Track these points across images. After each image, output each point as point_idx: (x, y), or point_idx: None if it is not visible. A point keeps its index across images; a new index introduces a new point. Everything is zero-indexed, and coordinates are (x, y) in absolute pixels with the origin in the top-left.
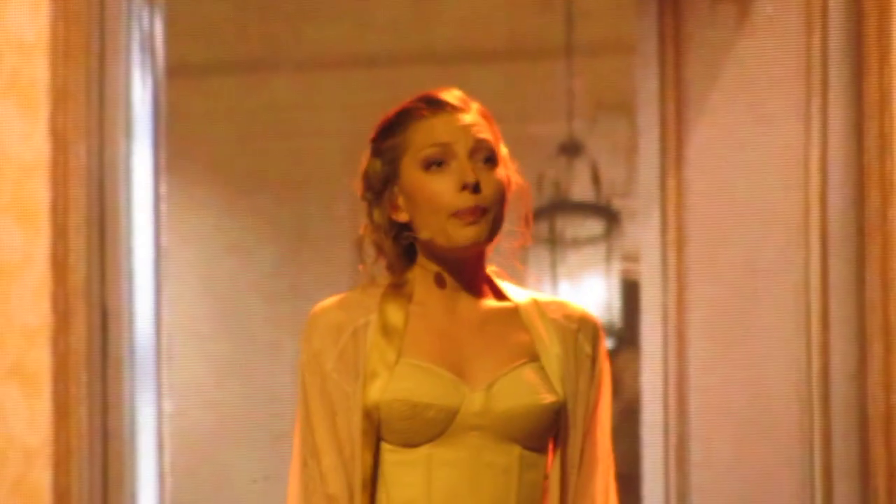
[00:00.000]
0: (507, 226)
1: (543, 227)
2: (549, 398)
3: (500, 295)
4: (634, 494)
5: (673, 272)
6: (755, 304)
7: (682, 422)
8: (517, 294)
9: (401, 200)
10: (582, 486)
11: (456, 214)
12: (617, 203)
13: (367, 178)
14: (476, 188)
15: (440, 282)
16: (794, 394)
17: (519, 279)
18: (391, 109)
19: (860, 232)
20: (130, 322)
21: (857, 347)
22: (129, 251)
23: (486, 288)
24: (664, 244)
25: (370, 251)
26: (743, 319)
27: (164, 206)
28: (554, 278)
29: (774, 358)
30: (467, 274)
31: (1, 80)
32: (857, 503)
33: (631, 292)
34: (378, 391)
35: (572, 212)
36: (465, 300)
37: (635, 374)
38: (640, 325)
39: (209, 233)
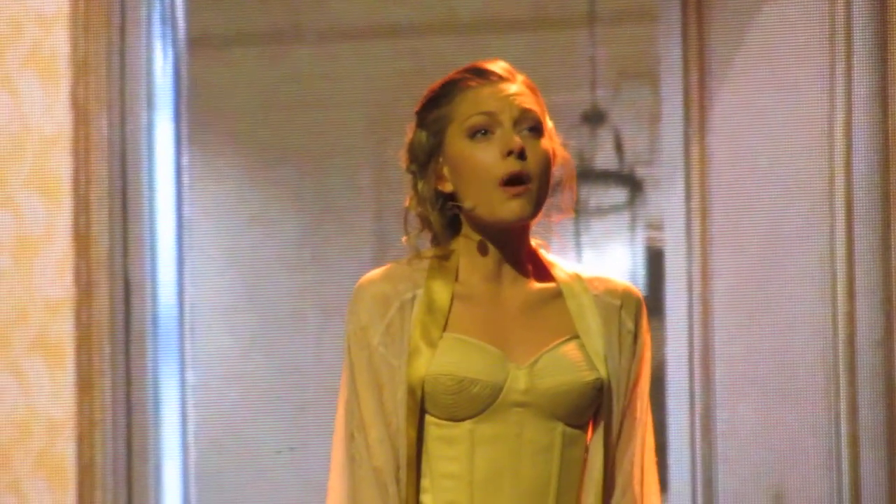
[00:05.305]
0: (550, 200)
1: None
2: (591, 375)
3: (543, 270)
4: (661, 463)
5: (697, 240)
6: (780, 272)
7: (707, 390)
8: (561, 268)
9: (446, 171)
10: (617, 459)
11: (501, 184)
12: (640, 171)
13: (412, 150)
14: (521, 155)
15: (483, 249)
16: (819, 362)
17: (556, 252)
18: (436, 81)
19: (885, 198)
20: (153, 294)
21: (882, 315)
22: (152, 223)
23: (529, 263)
24: (688, 212)
25: (414, 223)
26: (768, 287)
27: (186, 178)
28: (578, 247)
29: (800, 326)
30: (511, 247)
31: (21, 53)
32: (884, 472)
33: (655, 261)
34: (423, 366)
35: (596, 180)
36: (508, 277)
37: (660, 343)
38: (664, 293)
39: (232, 204)
